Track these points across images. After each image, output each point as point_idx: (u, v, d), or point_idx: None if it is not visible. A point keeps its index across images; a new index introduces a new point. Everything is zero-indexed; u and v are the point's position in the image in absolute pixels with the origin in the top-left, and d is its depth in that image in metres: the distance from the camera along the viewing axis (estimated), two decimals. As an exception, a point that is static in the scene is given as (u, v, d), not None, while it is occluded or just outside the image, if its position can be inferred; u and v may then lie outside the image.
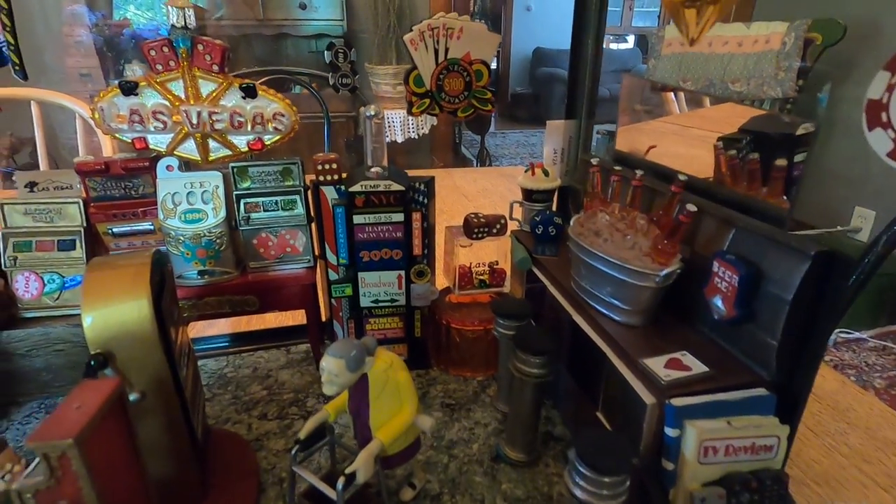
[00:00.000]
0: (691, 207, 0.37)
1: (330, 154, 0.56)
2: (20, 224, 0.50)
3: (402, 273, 0.56)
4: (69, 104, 1.54)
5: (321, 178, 0.55)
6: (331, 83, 0.56)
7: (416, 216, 0.54)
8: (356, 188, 0.52)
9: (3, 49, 0.46)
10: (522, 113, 5.71)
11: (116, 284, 0.34)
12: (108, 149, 1.47)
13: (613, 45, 6.64)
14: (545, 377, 0.43)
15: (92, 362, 0.33)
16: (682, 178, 0.39)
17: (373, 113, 0.51)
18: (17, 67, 0.47)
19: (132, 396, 0.35)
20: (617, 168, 0.46)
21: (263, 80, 1.66)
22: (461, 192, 1.30)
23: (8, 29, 0.45)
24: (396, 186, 0.52)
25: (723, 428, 0.33)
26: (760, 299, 0.35)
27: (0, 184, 1.47)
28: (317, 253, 0.58)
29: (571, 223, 0.48)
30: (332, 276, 0.59)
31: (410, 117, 2.88)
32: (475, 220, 0.58)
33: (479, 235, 0.59)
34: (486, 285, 0.61)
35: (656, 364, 0.37)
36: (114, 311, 0.34)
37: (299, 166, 0.55)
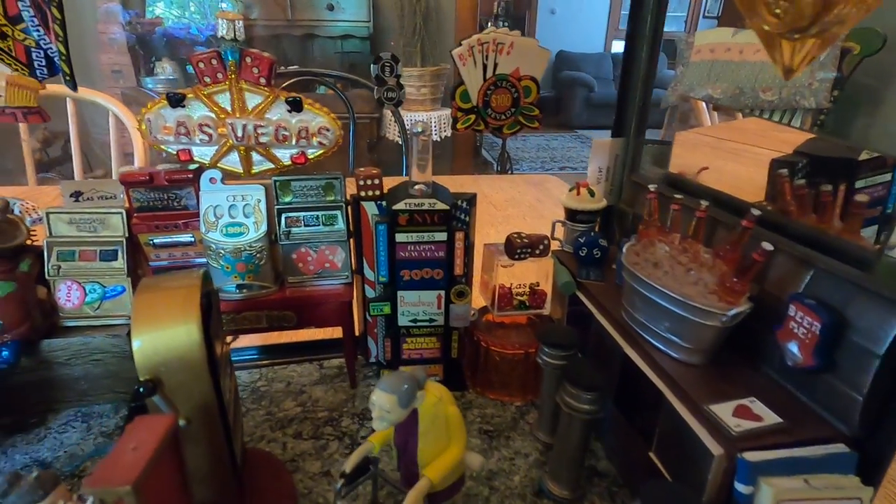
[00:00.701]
0: (767, 246, 0.35)
1: (372, 169, 0.55)
2: (64, 233, 0.50)
3: (442, 293, 0.55)
4: (102, 101, 1.56)
5: (362, 193, 0.54)
6: (376, 96, 0.55)
7: (459, 236, 0.53)
8: (400, 206, 0.50)
9: (56, 59, 0.46)
10: (544, 116, 5.65)
11: (166, 307, 0.34)
12: (139, 146, 1.49)
13: (638, 50, 6.54)
14: (596, 414, 0.41)
15: (141, 389, 0.32)
16: (755, 212, 0.37)
17: (420, 130, 0.50)
18: (67, 77, 0.46)
19: (179, 423, 0.34)
20: (678, 196, 0.43)
21: (290, 81, 1.66)
22: (489, 201, 1.28)
23: (60, 39, 0.45)
24: (441, 205, 0.51)
25: (801, 487, 0.31)
26: (843, 349, 0.32)
27: (35, 179, 1.50)
28: (353, 268, 0.57)
29: (625, 250, 0.46)
30: (369, 292, 0.58)
31: (434, 120, 2.87)
32: (518, 241, 0.56)
33: (522, 256, 0.57)
34: (525, 307, 0.60)
35: (723, 411, 0.34)
36: (163, 336, 0.33)
37: (342, 181, 0.54)
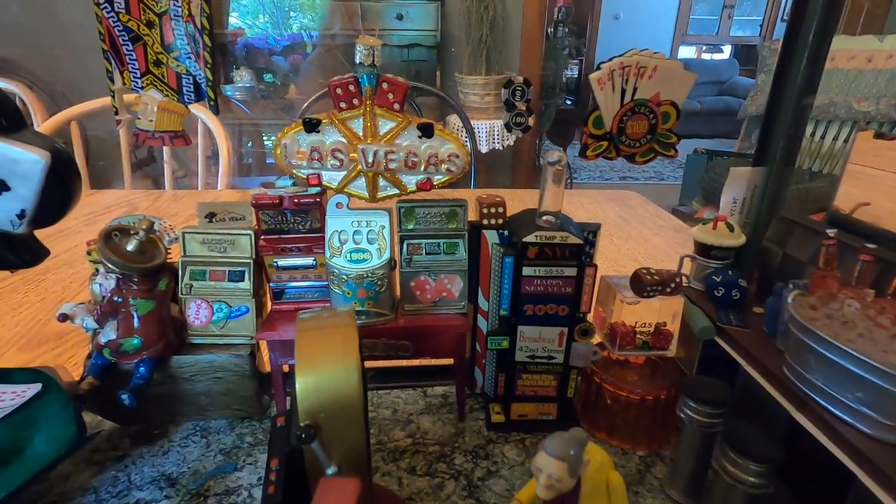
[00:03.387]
0: None
1: (496, 196, 0.53)
2: (197, 253, 0.51)
3: (565, 330, 0.52)
4: (194, 110, 1.65)
5: (485, 221, 0.52)
6: (504, 122, 0.52)
7: (590, 272, 0.50)
8: (530, 238, 0.48)
9: (203, 85, 0.47)
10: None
11: (327, 349, 0.33)
12: (223, 150, 1.56)
13: (706, 55, 6.24)
14: (765, 488, 0.37)
15: (302, 435, 0.31)
16: None
17: (555, 159, 0.47)
18: (212, 102, 0.47)
19: (330, 470, 0.33)
20: (870, 246, 0.38)
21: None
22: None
23: (209, 66, 0.46)
24: (574, 239, 0.48)
25: None
26: None
27: (129, 182, 1.60)
28: (466, 296, 0.55)
29: (792, 300, 0.41)
30: (482, 322, 0.56)
31: (497, 128, 2.84)
32: (648, 278, 0.52)
33: (651, 294, 0.53)
34: (649, 347, 0.55)
35: (954, 511, 0.29)
36: (324, 379, 0.32)
37: (466, 209, 0.52)
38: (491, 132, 2.83)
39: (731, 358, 0.49)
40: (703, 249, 0.55)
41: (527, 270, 0.49)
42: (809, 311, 0.39)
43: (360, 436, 0.34)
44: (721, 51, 6.16)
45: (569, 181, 3.63)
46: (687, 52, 6.01)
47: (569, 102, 5.39)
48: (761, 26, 5.85)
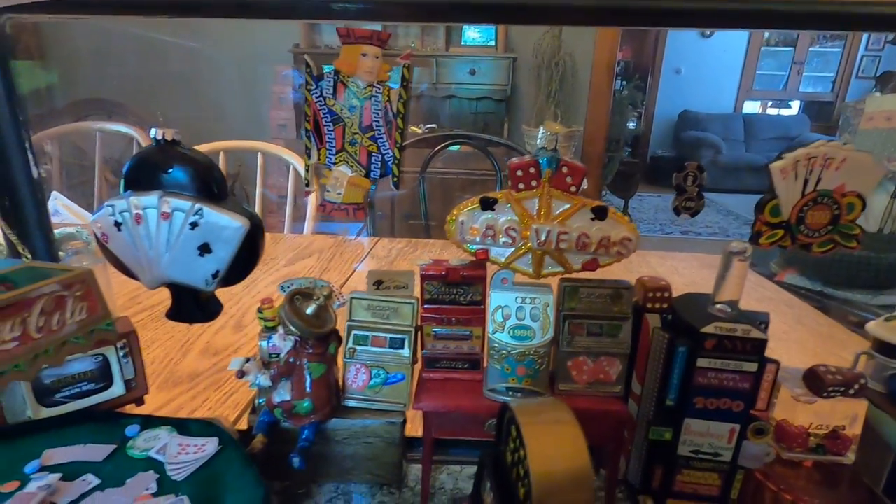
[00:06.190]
0: None
1: (661, 280, 0.52)
2: (362, 318, 0.53)
3: (737, 427, 0.48)
4: (286, 156, 1.77)
5: (648, 304, 0.51)
6: (673, 205, 0.52)
7: (770, 369, 0.47)
8: (709, 329, 0.46)
9: (389, 163, 0.50)
10: (663, 177, 5.42)
11: (557, 448, 0.32)
12: (313, 196, 1.65)
13: (772, 111, 6.10)
14: None
15: (536, 543, 0.30)
16: None
17: (740, 250, 0.46)
18: (395, 179, 0.50)
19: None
20: None
21: (444, 145, 1.75)
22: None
23: (398, 145, 0.49)
24: (757, 334, 0.46)
25: None
26: None
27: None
28: (618, 378, 0.53)
29: None
30: (631, 406, 0.54)
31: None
32: (829, 377, 0.49)
33: (832, 395, 0.49)
34: (823, 451, 0.51)
35: None
36: (559, 484, 0.31)
37: (631, 292, 0.51)
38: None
39: (932, 475, 0.44)
40: (885, 348, 0.51)
41: (701, 362, 0.47)
42: None
43: (581, 545, 0.32)
44: (789, 106, 6.01)
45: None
46: (752, 106, 5.90)
47: (626, 153, 5.38)
48: (833, 83, 5.69)
